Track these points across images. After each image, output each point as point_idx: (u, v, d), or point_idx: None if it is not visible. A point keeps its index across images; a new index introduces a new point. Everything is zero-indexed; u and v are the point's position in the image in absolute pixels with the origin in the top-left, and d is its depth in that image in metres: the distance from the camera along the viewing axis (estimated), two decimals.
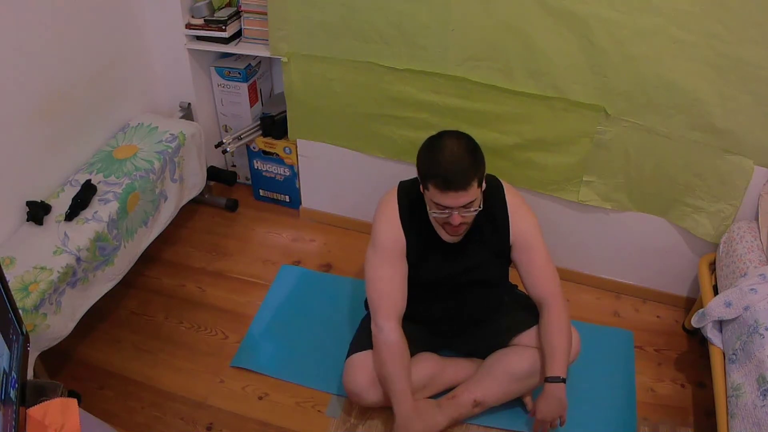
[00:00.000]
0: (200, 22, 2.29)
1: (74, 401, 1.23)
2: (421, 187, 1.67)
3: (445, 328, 1.89)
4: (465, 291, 1.81)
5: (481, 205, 1.65)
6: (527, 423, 1.84)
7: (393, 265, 1.74)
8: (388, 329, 1.70)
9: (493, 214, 1.74)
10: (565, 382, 1.70)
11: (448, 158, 1.57)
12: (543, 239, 1.77)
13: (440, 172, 1.56)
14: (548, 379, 1.70)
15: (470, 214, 1.63)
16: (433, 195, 1.59)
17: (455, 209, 1.59)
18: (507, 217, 1.74)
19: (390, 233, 1.74)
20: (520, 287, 1.86)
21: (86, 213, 1.92)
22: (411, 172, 1.75)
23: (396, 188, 1.80)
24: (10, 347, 1.18)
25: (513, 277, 1.89)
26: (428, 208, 1.67)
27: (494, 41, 1.89)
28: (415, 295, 1.78)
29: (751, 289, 1.64)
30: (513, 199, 1.77)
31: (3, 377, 1.10)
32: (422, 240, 1.75)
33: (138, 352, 2.07)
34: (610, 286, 2.33)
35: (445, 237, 1.70)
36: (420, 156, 1.65)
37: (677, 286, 2.23)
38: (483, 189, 1.64)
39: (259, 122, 2.51)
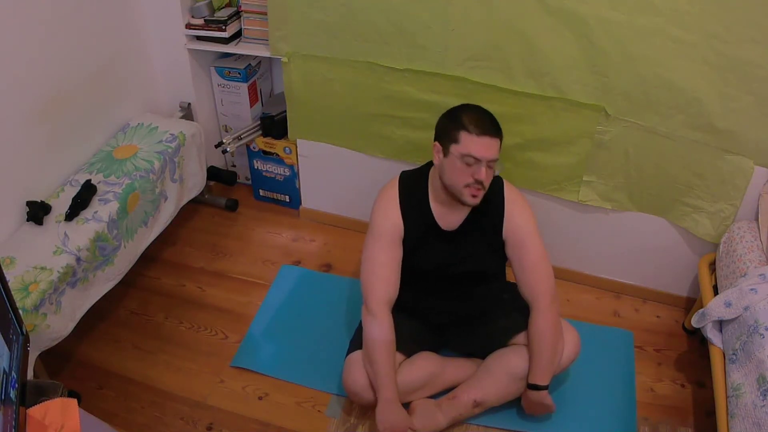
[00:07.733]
0: (200, 22, 2.29)
1: (74, 401, 1.23)
2: (440, 153, 1.67)
3: (442, 321, 1.89)
4: (460, 281, 1.82)
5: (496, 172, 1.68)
6: (527, 422, 1.84)
7: (387, 251, 1.75)
8: (374, 314, 1.71)
9: (491, 207, 1.75)
10: (547, 389, 1.72)
11: (480, 110, 1.67)
12: (539, 238, 1.77)
13: (476, 116, 1.64)
14: (530, 386, 1.73)
15: (489, 177, 1.65)
16: (466, 144, 1.61)
17: (484, 162, 1.60)
18: (503, 210, 1.75)
19: (388, 218, 1.76)
20: None
21: (86, 213, 1.92)
22: None
23: (397, 177, 1.82)
24: (10, 347, 1.18)
25: (513, 276, 1.89)
26: (450, 170, 1.65)
27: (494, 41, 1.89)
28: (411, 283, 1.79)
29: (751, 289, 1.64)
30: (511, 194, 1.78)
31: (3, 377, 1.10)
32: (421, 226, 1.76)
33: (138, 352, 2.07)
34: (610, 286, 2.33)
35: (469, 200, 1.66)
36: (445, 118, 1.71)
37: (677, 286, 2.23)
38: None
39: (259, 122, 2.51)
